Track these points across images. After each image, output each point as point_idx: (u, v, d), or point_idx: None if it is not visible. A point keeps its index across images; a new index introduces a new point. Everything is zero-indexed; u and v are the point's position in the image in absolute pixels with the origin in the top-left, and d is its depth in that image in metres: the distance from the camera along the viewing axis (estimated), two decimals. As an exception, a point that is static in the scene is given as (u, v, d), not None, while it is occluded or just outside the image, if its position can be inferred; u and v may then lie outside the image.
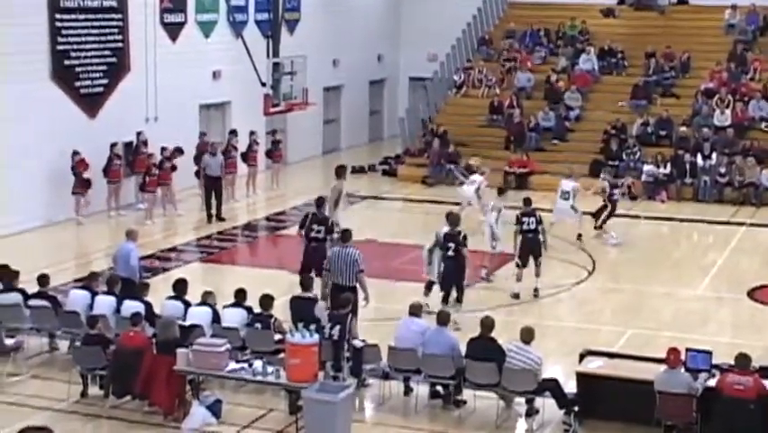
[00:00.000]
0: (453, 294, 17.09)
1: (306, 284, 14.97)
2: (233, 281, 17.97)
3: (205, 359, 13.06)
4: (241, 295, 14.95)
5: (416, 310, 14.41)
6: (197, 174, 25.76)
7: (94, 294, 15.44)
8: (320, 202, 18.34)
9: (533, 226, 18.81)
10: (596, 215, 23.27)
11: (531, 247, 18.82)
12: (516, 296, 18.75)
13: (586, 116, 32.44)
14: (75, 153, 23.81)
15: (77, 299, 15.47)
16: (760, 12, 34.14)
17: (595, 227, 23.21)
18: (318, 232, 17.74)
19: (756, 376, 12.48)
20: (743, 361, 12.58)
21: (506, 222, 19.82)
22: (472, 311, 16.85)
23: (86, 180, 23.97)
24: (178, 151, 25.56)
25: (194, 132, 27.30)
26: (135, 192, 25.82)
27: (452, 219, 17.57)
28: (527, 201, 19.38)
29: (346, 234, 16.40)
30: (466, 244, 17.15)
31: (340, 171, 20.96)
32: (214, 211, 24.94)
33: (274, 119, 30.90)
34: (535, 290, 18.99)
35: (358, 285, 15.75)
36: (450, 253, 17.05)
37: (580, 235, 22.78)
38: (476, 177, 24.19)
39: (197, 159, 25.90)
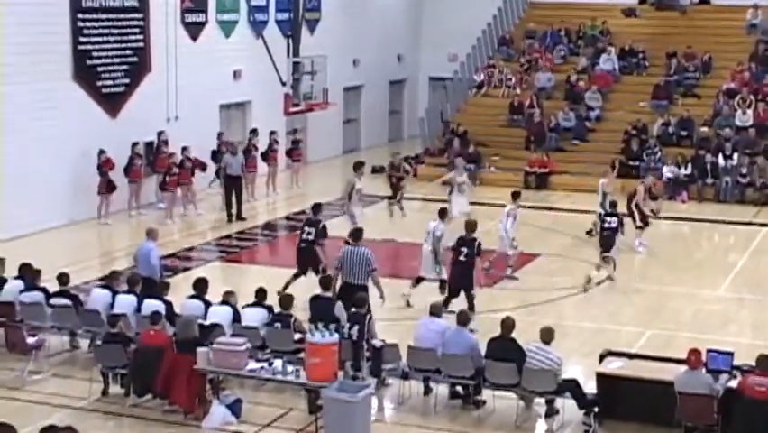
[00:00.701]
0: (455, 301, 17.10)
1: (325, 284, 15.02)
2: (252, 281, 18.01)
3: (226, 358, 13.09)
4: (261, 294, 14.99)
5: (436, 310, 14.41)
6: (218, 173, 25.90)
7: (115, 293, 15.48)
8: (317, 209, 18.88)
9: (612, 225, 20.08)
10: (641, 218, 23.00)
11: (604, 242, 19.96)
12: (588, 280, 19.44)
13: (606, 117, 32.34)
14: (101, 152, 23.92)
15: (98, 298, 15.52)
16: (782, 12, 34.04)
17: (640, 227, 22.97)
18: (309, 234, 18.13)
19: (778, 378, 12.42)
20: (765, 362, 12.50)
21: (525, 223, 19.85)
22: (492, 312, 16.84)
23: (110, 183, 24.07)
24: (201, 167, 25.67)
25: (214, 131, 27.39)
26: (156, 191, 25.90)
27: (469, 225, 17.66)
28: (613, 211, 20.51)
29: (357, 233, 16.62)
30: (479, 252, 17.19)
31: (356, 166, 21.98)
32: (234, 210, 25.03)
33: (294, 119, 30.98)
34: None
35: (370, 284, 15.91)
36: (461, 257, 17.09)
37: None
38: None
39: (214, 156, 25.98)
